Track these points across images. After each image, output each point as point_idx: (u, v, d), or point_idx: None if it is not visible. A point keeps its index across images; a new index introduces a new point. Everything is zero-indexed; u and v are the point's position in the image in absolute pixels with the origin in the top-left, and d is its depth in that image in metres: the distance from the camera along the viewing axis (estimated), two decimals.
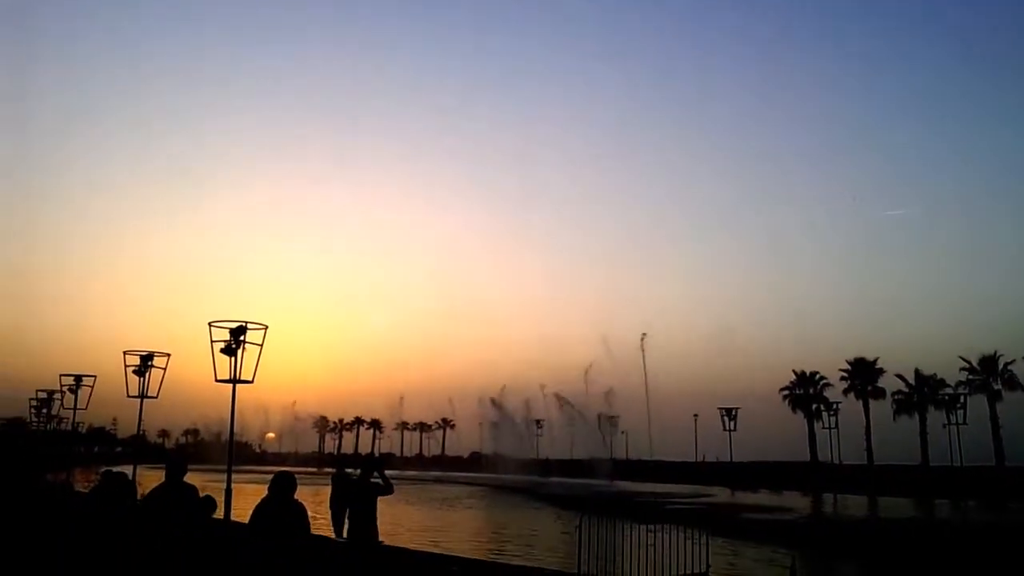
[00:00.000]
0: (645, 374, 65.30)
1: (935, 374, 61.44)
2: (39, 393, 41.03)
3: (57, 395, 35.20)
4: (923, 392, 61.47)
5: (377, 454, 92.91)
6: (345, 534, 9.58)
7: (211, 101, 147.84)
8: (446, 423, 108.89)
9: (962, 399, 58.62)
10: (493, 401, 79.18)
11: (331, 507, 14.38)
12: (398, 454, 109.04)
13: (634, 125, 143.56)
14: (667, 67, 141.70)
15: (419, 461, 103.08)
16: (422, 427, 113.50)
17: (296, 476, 6.21)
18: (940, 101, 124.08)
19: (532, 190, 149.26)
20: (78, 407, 28.80)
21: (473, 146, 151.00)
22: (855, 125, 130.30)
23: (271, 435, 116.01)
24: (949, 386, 60.04)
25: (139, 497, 9.96)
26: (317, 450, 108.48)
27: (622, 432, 74.40)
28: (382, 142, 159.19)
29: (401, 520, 24.13)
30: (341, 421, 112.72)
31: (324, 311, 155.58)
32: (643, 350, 66.39)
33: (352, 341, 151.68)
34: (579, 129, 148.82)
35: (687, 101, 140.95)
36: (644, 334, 67.07)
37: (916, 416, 61.13)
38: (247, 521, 6.04)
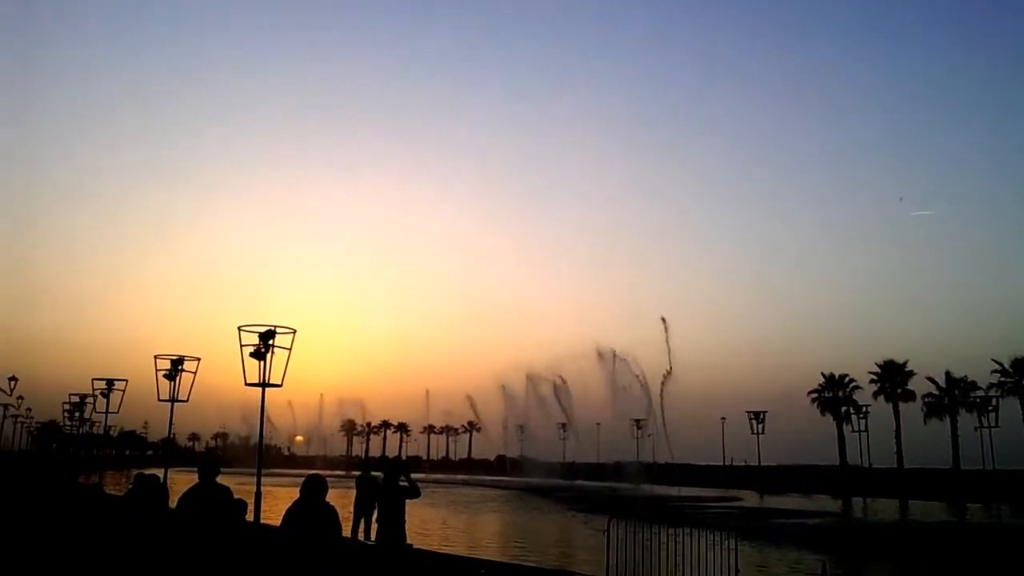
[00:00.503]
0: (670, 364, 65.04)
1: (966, 376, 60.73)
2: (72, 397, 41.62)
3: (89, 399, 35.75)
4: (954, 394, 60.69)
5: (404, 457, 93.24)
6: (373, 537, 9.66)
7: (234, 105, 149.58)
8: (472, 426, 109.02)
9: (994, 401, 57.85)
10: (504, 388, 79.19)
11: (354, 510, 14.47)
12: (425, 457, 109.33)
13: (652, 123, 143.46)
14: (687, 63, 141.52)
15: (446, 464, 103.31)
16: (448, 430, 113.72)
17: (327, 479, 6.28)
18: (967, 99, 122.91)
19: (552, 191, 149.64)
20: (110, 411, 29.22)
21: (494, 146, 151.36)
22: (880, 124, 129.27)
23: (300, 438, 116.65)
24: (981, 388, 59.30)
25: (170, 499, 10.11)
26: (345, 453, 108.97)
27: (648, 435, 74.16)
28: (404, 144, 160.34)
29: (429, 523, 24.21)
30: (369, 424, 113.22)
31: (351, 315, 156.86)
32: (668, 343, 66.25)
33: (379, 344, 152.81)
34: (598, 128, 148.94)
35: (705, 100, 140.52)
36: (664, 320, 66.81)
37: (947, 419, 60.45)
38: (278, 524, 6.11)
